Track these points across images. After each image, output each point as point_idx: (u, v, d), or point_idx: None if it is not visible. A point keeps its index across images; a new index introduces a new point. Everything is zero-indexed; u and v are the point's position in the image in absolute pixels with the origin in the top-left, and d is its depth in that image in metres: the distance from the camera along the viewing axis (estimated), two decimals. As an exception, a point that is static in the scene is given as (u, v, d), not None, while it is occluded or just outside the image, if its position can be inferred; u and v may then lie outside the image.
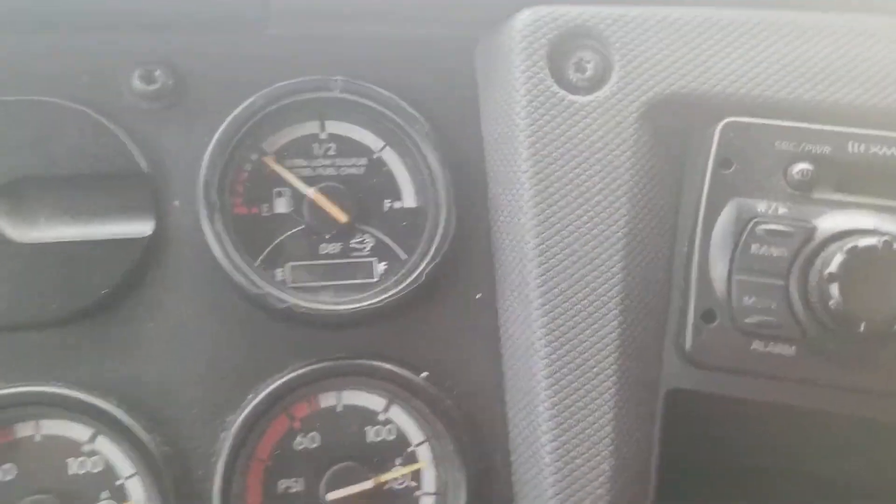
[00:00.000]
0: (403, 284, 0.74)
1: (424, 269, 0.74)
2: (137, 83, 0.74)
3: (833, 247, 0.64)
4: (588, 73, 0.72)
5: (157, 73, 0.74)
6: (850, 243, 0.63)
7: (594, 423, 0.69)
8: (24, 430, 0.71)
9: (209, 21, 0.75)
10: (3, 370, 0.71)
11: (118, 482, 0.72)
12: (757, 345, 0.67)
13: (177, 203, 0.75)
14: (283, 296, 0.73)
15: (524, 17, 0.73)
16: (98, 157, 0.73)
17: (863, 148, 0.69)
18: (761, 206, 0.68)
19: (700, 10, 0.73)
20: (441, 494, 0.76)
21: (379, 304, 0.74)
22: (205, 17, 0.75)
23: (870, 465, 0.72)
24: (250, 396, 0.73)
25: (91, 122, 0.73)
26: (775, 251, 0.67)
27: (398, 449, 0.76)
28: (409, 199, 0.78)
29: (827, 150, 0.69)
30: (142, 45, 0.75)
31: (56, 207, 0.73)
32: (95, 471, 0.72)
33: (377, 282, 0.77)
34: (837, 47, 0.72)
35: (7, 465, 0.71)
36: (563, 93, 0.72)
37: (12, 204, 0.72)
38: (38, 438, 0.71)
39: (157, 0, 0.73)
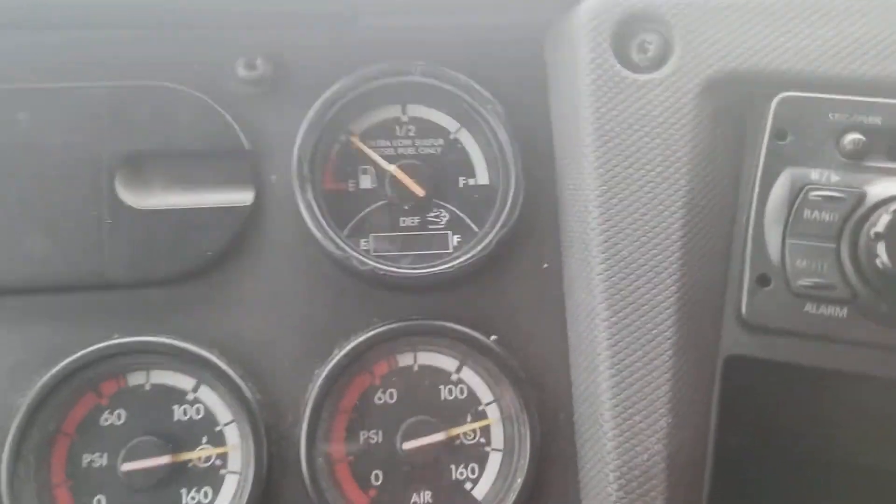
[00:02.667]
0: (474, 251, 0.78)
1: (494, 237, 0.78)
2: (241, 70, 0.79)
3: (882, 210, 0.65)
4: (650, 54, 0.75)
5: (258, 61, 0.79)
6: (896, 205, 0.64)
7: (652, 383, 0.70)
8: (136, 378, 0.77)
9: (306, 16, 0.80)
10: (120, 324, 0.77)
11: (217, 428, 0.77)
12: (809, 307, 0.68)
13: (274, 177, 0.80)
14: (366, 260, 0.77)
15: (591, 2, 0.76)
16: (206, 135, 0.79)
17: (913, 118, 0.69)
18: (814, 175, 0.69)
19: (755, -6, 0.75)
20: (508, 451, 0.78)
21: (451, 270, 0.77)
22: (302, 13, 0.80)
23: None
24: (336, 351, 0.77)
25: (201, 105, 0.79)
26: (827, 216, 0.68)
27: (469, 407, 0.79)
28: (482, 177, 0.83)
29: (878, 120, 0.70)
30: (245, 37, 0.80)
31: (169, 179, 0.79)
32: (197, 417, 0.77)
33: (451, 252, 0.80)
34: (888, 24, 0.73)
35: (119, 410, 0.76)
36: (626, 72, 0.75)
37: (132, 175, 0.78)
38: (147, 387, 0.77)
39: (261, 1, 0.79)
